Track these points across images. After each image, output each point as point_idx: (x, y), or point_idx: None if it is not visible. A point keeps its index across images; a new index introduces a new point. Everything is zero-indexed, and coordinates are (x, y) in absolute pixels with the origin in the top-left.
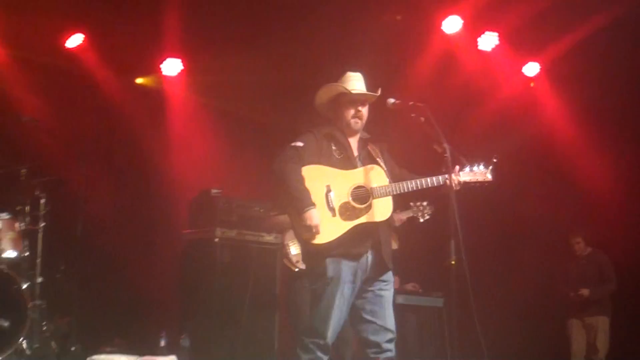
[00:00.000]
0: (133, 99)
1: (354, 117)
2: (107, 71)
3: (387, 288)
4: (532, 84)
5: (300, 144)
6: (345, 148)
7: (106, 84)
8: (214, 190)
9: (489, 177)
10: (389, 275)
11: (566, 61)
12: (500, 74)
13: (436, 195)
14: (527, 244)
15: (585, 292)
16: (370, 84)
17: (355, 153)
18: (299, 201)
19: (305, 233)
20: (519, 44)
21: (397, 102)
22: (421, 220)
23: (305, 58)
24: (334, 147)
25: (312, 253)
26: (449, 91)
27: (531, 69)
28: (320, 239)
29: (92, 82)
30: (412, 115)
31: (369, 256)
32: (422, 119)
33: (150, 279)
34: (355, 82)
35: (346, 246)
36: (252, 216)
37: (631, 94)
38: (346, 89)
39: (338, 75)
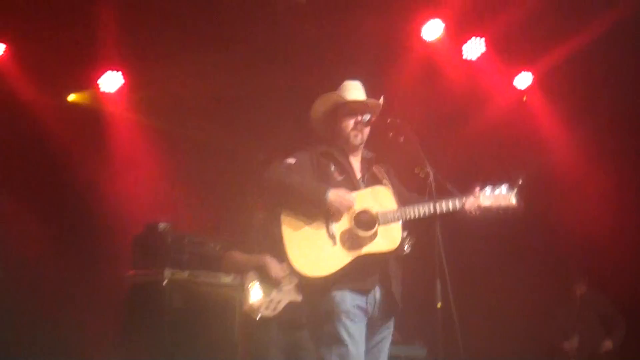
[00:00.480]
0: (65, 119)
1: (353, 129)
2: (33, 87)
3: (389, 337)
4: (524, 98)
5: (292, 160)
6: (345, 169)
7: (32, 102)
8: (161, 225)
9: (513, 201)
10: (392, 320)
11: (564, 71)
12: (488, 86)
13: (418, 224)
14: (521, 278)
15: (608, 344)
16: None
17: (358, 175)
18: (311, 192)
19: (330, 237)
20: (509, 51)
21: (373, 119)
22: (406, 249)
23: (269, 71)
24: (332, 168)
25: (312, 289)
26: (431, 106)
27: (523, 80)
28: (319, 271)
29: (14, 100)
30: (390, 134)
31: (377, 293)
32: (401, 138)
33: (86, 330)
34: (354, 91)
35: (352, 280)
36: (207, 254)
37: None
38: (342, 97)
39: (311, 90)
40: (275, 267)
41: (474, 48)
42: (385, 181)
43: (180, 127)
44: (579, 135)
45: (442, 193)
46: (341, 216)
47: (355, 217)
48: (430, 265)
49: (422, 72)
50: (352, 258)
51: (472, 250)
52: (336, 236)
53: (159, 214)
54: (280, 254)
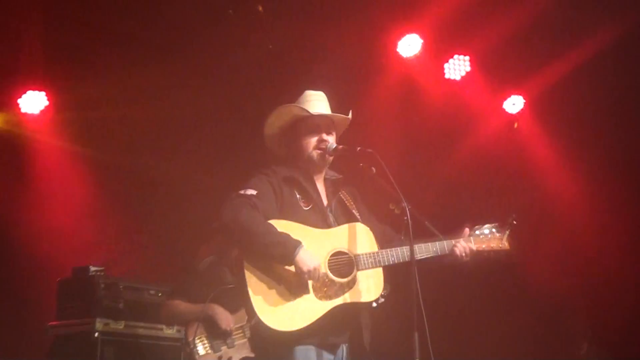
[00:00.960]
0: None
1: (316, 147)
2: None
3: None
4: (515, 125)
5: (252, 191)
6: (312, 196)
7: None
8: (93, 268)
9: (506, 244)
10: None
11: (559, 94)
12: (473, 109)
13: (396, 270)
14: (513, 331)
15: None
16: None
17: (324, 202)
18: (279, 246)
19: (301, 285)
20: (498, 71)
21: (340, 147)
22: (374, 305)
23: (218, 89)
24: (298, 196)
25: (274, 344)
26: (409, 130)
27: (514, 104)
28: (290, 324)
29: None
30: (361, 164)
31: (345, 348)
32: (373, 169)
33: None
34: (317, 103)
35: (322, 334)
36: (146, 303)
37: None
38: (305, 110)
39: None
40: (225, 319)
41: (458, 66)
42: (354, 211)
43: (113, 155)
44: (575, 166)
45: (421, 232)
46: (305, 280)
47: (329, 260)
48: (407, 314)
49: (399, 91)
50: (327, 310)
51: (454, 297)
52: (308, 284)
53: (89, 255)
54: (239, 304)
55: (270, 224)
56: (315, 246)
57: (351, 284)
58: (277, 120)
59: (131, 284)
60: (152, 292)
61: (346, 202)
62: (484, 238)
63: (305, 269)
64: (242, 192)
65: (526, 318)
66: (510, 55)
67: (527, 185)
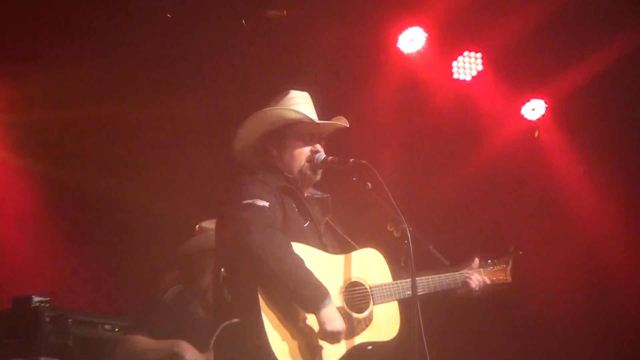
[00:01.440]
0: None
1: (309, 160)
2: None
3: None
4: (536, 134)
5: (263, 202)
6: (308, 211)
7: None
8: (36, 298)
9: (509, 276)
10: None
11: (586, 98)
12: (486, 115)
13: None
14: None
15: None
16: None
17: (316, 218)
18: (307, 289)
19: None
20: (515, 71)
21: (330, 158)
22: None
23: (190, 92)
24: (296, 209)
25: None
26: (411, 138)
27: (534, 109)
28: None
29: None
30: (354, 179)
31: None
32: (369, 184)
33: None
34: (306, 107)
35: None
36: (100, 339)
37: None
38: (305, 116)
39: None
40: (192, 356)
41: (468, 65)
42: (346, 237)
43: (61, 168)
44: (605, 181)
45: (424, 259)
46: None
47: (346, 291)
48: (409, 352)
49: (399, 93)
50: (345, 351)
51: (459, 329)
52: None
53: (32, 283)
54: (257, 347)
55: (298, 256)
56: (330, 274)
57: (368, 320)
58: (257, 126)
59: (82, 317)
60: (107, 326)
61: (334, 227)
62: (491, 270)
63: (328, 328)
64: (250, 201)
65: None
66: (529, 52)
67: (548, 204)
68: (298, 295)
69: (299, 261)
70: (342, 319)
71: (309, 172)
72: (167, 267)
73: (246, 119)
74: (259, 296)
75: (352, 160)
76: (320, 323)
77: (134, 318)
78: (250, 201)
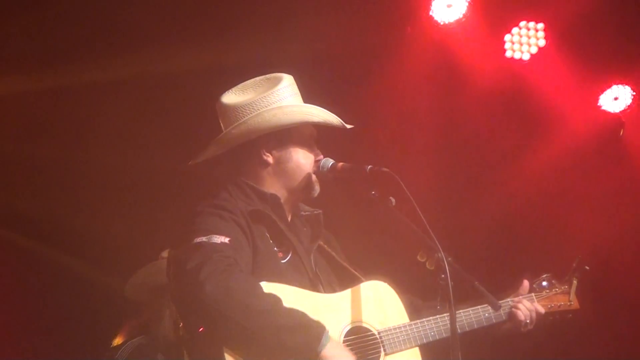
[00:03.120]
0: None
1: (316, 170)
2: None
3: None
4: (621, 132)
5: (222, 238)
6: (288, 241)
7: None
8: None
9: (575, 300)
10: None
11: None
12: (551, 107)
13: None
14: None
15: None
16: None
17: (300, 248)
18: (297, 332)
19: None
20: (589, 47)
21: (341, 165)
22: None
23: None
24: (271, 241)
25: None
26: (449, 138)
27: (617, 98)
28: None
29: None
30: (372, 192)
31: None
32: (392, 200)
33: None
34: (297, 97)
35: None
36: None
37: None
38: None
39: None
40: None
41: (525, 40)
42: (346, 264)
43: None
44: None
45: (465, 295)
46: None
47: (345, 340)
48: None
49: (433, 75)
50: None
51: None
52: None
53: None
54: None
55: (271, 295)
56: (324, 320)
57: None
58: (255, 129)
59: None
60: None
61: (329, 251)
62: (548, 294)
63: None
64: (202, 239)
65: None
66: (609, 22)
67: (635, 223)
68: (284, 347)
69: (273, 303)
70: (350, 354)
71: (315, 186)
72: (123, 318)
73: (243, 120)
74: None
75: (369, 167)
76: None
77: None
78: (202, 239)
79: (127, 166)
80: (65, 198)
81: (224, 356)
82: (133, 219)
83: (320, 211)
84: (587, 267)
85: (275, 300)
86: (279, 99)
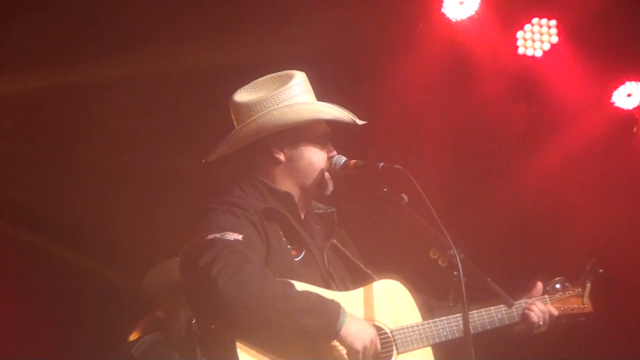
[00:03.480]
0: None
1: (329, 168)
2: None
3: None
4: (635, 129)
5: (235, 236)
6: (302, 239)
7: None
8: None
9: (588, 303)
10: None
11: None
12: (564, 104)
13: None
14: None
15: None
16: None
17: (313, 245)
18: (315, 313)
19: None
20: (602, 44)
21: (353, 162)
22: None
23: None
24: (284, 239)
25: None
26: (461, 136)
27: (630, 94)
28: None
29: None
30: (384, 189)
31: None
32: (404, 197)
33: None
34: (310, 94)
35: None
36: None
37: None
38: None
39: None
40: None
41: (538, 37)
42: (360, 263)
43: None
44: None
45: (478, 293)
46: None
47: None
48: None
49: (445, 73)
50: None
51: None
52: None
53: None
54: None
55: (282, 281)
56: None
57: None
58: (264, 127)
59: None
60: None
61: (343, 250)
62: (561, 296)
63: (359, 345)
64: (218, 235)
65: None
66: (622, 18)
67: None
68: (304, 329)
69: (287, 287)
70: (371, 327)
71: (330, 184)
72: (141, 310)
73: (252, 119)
74: (239, 356)
75: (381, 164)
76: (348, 345)
77: None
78: (216, 236)
79: (141, 163)
80: (79, 196)
81: (236, 351)
82: (148, 216)
83: (334, 209)
84: (601, 270)
85: (288, 285)
86: (290, 96)
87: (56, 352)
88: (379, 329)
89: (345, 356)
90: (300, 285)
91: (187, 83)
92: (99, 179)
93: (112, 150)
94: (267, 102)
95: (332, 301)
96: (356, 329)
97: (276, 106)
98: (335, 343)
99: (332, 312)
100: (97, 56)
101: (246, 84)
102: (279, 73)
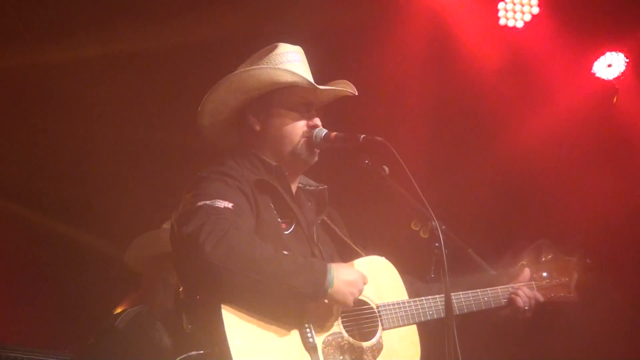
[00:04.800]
0: None
1: (306, 137)
2: None
3: None
4: (615, 99)
5: (225, 203)
6: (292, 212)
7: None
8: None
9: (574, 293)
10: None
11: None
12: (544, 75)
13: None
14: None
15: None
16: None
17: (302, 220)
18: (302, 273)
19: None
20: (583, 14)
21: (334, 134)
22: None
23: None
24: (275, 211)
25: None
26: (443, 108)
27: (610, 65)
28: None
29: None
30: (366, 161)
31: None
32: (386, 168)
33: None
34: (299, 66)
35: None
36: None
37: None
38: (303, 78)
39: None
40: None
41: (519, 8)
42: (348, 240)
43: None
44: None
45: (461, 265)
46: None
47: (344, 314)
48: None
49: (426, 45)
50: None
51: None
52: (318, 347)
53: None
54: None
55: (267, 245)
56: None
57: (376, 351)
58: (236, 92)
59: (18, 354)
60: None
61: (333, 227)
62: (548, 283)
63: (350, 300)
64: (208, 202)
65: None
66: None
67: (630, 195)
68: (293, 290)
69: (274, 250)
70: (358, 274)
71: (304, 154)
72: (128, 286)
73: (218, 83)
74: (224, 320)
75: (362, 136)
76: (340, 301)
77: (77, 353)
78: (206, 202)
79: (124, 136)
80: (70, 170)
81: (221, 316)
82: (140, 190)
83: (326, 187)
84: (589, 261)
85: (274, 248)
86: (264, 64)
87: (43, 325)
88: (364, 302)
89: (333, 311)
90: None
91: (174, 59)
92: (83, 152)
93: (95, 123)
94: (238, 70)
95: (319, 261)
96: (345, 282)
97: (260, 66)
98: (324, 301)
99: (320, 271)
100: (99, 29)
101: (230, 59)
102: (269, 46)
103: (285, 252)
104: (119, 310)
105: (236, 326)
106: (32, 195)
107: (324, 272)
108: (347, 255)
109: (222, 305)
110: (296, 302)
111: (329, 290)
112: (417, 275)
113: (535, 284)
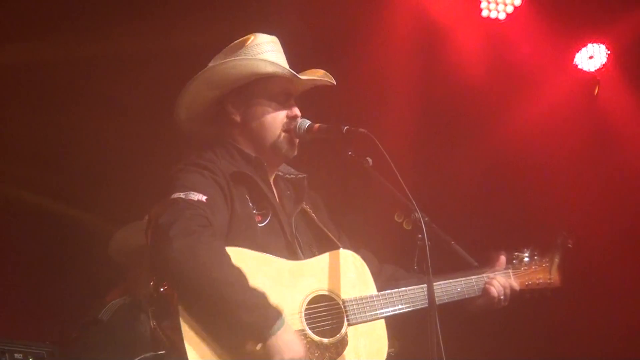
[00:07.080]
0: None
1: (286, 129)
2: None
3: None
4: (596, 91)
5: (199, 196)
6: (269, 204)
7: None
8: None
9: (556, 277)
10: None
11: None
12: (527, 66)
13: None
14: None
15: None
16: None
17: (281, 212)
18: (253, 311)
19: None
20: (565, 6)
21: (317, 126)
22: None
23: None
24: (250, 204)
25: None
26: (426, 100)
27: (592, 57)
28: None
29: None
30: (349, 153)
31: None
32: (369, 160)
33: None
34: (277, 56)
35: None
36: None
37: None
38: (283, 69)
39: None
40: None
41: (501, 0)
42: (326, 231)
43: None
44: None
45: (444, 259)
46: None
47: (306, 308)
48: None
49: (410, 36)
50: None
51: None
52: None
53: None
54: None
55: (236, 269)
56: (293, 287)
57: (340, 347)
58: (213, 85)
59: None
60: (17, 355)
61: (312, 215)
62: (526, 270)
63: (279, 358)
64: (182, 195)
65: None
66: None
67: (611, 184)
68: (237, 323)
69: (237, 276)
70: (301, 345)
71: (285, 146)
72: (113, 283)
73: (196, 76)
74: (181, 322)
75: (346, 128)
76: (270, 355)
77: (58, 345)
78: (180, 195)
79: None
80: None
81: (178, 318)
82: (124, 182)
83: (305, 175)
84: (570, 245)
85: (239, 274)
86: (243, 55)
87: (24, 317)
88: (330, 298)
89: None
90: (249, 254)
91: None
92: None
93: (85, 115)
94: (212, 62)
95: (276, 307)
96: (287, 340)
97: (239, 57)
98: (262, 349)
99: (271, 316)
100: (92, 27)
101: (211, 51)
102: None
103: (250, 285)
104: (106, 301)
105: (193, 330)
106: (8, 185)
107: (274, 319)
108: (324, 245)
109: (180, 307)
110: (237, 336)
111: (270, 338)
112: (401, 267)
113: (512, 271)
